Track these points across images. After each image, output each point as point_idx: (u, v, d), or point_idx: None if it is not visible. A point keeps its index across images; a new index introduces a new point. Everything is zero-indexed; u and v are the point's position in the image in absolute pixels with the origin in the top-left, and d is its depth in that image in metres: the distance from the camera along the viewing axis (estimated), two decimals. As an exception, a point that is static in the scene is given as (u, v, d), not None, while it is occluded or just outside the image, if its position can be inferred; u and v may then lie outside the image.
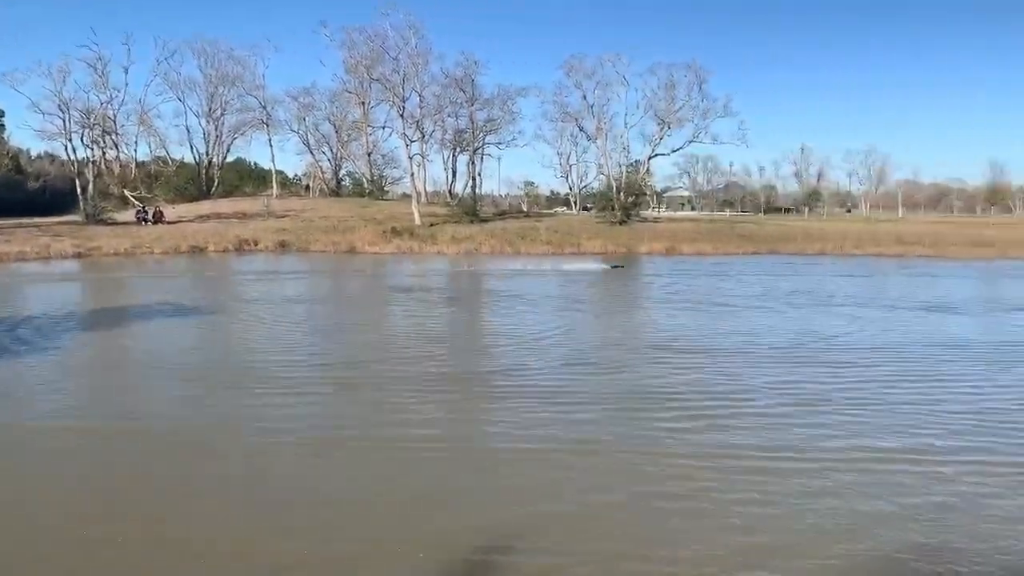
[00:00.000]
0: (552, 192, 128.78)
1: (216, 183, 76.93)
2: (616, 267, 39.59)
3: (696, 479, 8.27)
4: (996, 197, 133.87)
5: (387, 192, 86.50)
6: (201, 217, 57.14)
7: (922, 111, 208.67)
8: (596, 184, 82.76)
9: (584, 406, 11.29)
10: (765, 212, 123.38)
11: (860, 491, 7.94)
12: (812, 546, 6.68)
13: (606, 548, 6.62)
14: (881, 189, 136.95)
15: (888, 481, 8.25)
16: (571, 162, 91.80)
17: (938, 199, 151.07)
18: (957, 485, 8.13)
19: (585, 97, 71.60)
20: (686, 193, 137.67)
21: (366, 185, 79.16)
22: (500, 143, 74.08)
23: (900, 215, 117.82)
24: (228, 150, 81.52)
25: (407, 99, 63.93)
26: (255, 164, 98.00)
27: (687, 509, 7.48)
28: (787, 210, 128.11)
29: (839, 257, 49.64)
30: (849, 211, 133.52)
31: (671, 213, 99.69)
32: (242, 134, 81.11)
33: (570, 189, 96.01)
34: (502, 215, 66.96)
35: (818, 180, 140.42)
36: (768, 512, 7.41)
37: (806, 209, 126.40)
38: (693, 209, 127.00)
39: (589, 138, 76.46)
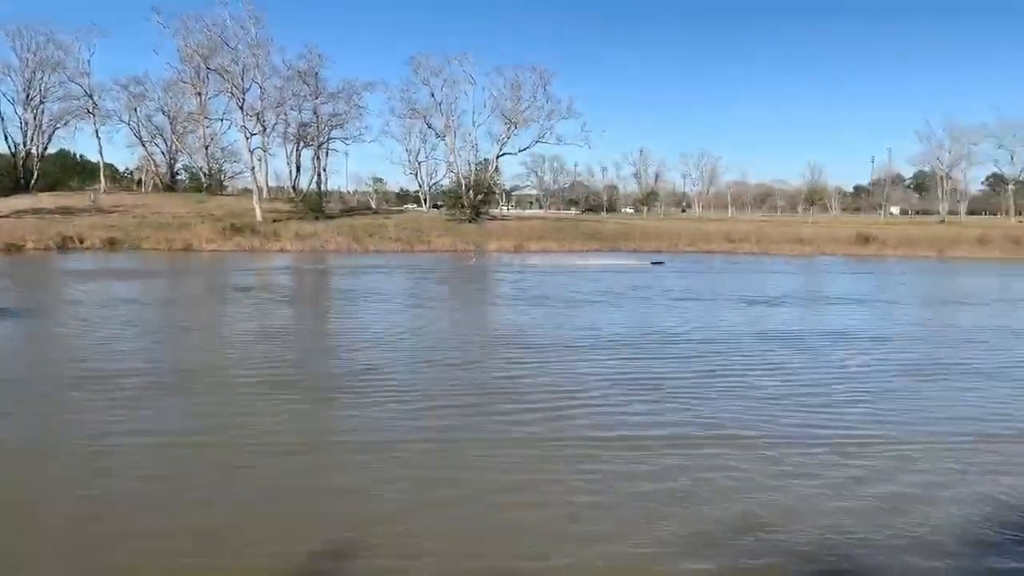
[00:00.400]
0: (402, 189, 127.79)
1: (36, 176, 70.59)
2: (656, 263, 42.59)
3: (539, 469, 8.45)
4: (814, 197, 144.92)
5: (226, 187, 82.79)
6: (18, 213, 52.32)
7: (749, 116, 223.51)
8: (446, 182, 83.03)
9: (430, 402, 11.29)
10: (607, 211, 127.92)
11: (687, 472, 8.40)
12: (642, 527, 7.00)
13: (447, 544, 6.64)
14: (712, 190, 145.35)
15: (713, 464, 8.77)
16: (420, 159, 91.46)
17: (763, 199, 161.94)
18: (780, 465, 8.75)
19: (433, 94, 71.65)
20: (534, 192, 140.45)
21: (203, 179, 75.39)
22: (346, 138, 72.66)
23: (730, 214, 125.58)
24: (49, 140, 75.01)
25: (247, 90, 61.64)
26: (81, 157, 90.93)
27: (527, 501, 7.62)
28: (630, 209, 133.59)
29: (675, 254, 52.29)
30: (684, 210, 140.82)
31: (519, 211, 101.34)
32: (65, 124, 74.98)
33: (420, 186, 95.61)
34: (349, 212, 65.75)
35: (655, 181, 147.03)
36: (599, 500, 7.68)
37: (644, 208, 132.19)
38: (541, 208, 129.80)
39: (438, 135, 76.53)
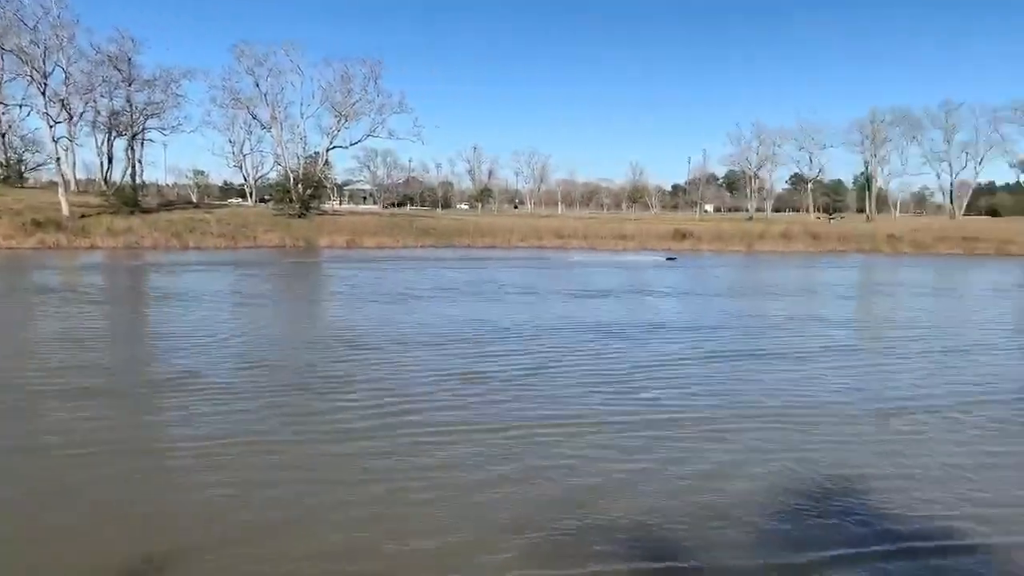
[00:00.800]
0: (226, 182, 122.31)
1: None
2: (671, 259, 47.01)
3: (366, 467, 8.37)
4: (636, 195, 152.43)
5: (28, 179, 75.67)
6: None
7: (576, 116, 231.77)
8: (273, 175, 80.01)
9: (252, 403, 10.88)
10: (442, 207, 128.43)
11: (514, 458, 8.60)
12: (471, 515, 7.11)
13: (261, 542, 6.47)
14: (544, 187, 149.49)
15: (540, 450, 9.04)
16: (245, 151, 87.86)
17: (591, 196, 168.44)
18: (603, 447, 9.15)
19: (258, 84, 68.72)
20: (367, 187, 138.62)
21: (1, 171, 68.51)
22: (164, 128, 68.12)
23: (560, 211, 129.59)
24: None
25: (50, 75, 56.52)
26: None
27: (354, 498, 7.54)
28: (464, 205, 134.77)
29: (507, 250, 53.32)
30: (516, 207, 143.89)
31: (352, 207, 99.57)
32: None
33: (245, 179, 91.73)
34: (168, 206, 61.97)
35: (489, 178, 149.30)
36: (427, 494, 7.72)
37: (479, 205, 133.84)
38: (375, 203, 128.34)
39: (264, 127, 73.50)
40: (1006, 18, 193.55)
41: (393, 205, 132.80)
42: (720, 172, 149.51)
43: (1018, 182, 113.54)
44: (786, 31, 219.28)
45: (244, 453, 8.84)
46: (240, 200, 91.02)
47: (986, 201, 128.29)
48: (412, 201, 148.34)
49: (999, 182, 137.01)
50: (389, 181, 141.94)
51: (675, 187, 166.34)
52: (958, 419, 10.85)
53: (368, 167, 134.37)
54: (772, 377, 13.49)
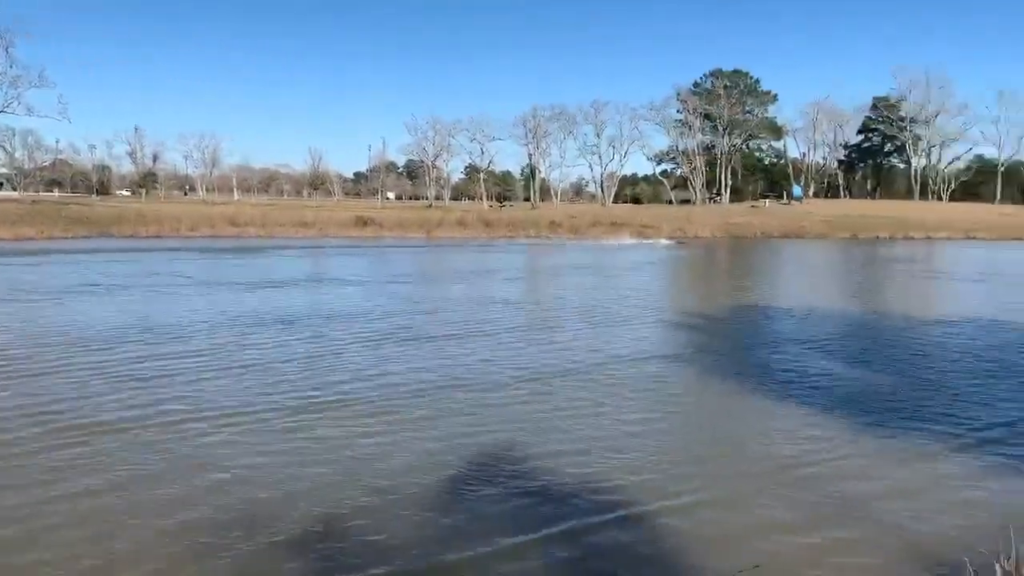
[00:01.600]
0: None
1: None
2: (681, 243, 54.12)
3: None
4: (317, 182, 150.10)
5: None
6: None
7: (252, 100, 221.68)
8: None
9: None
10: (99, 193, 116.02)
11: (165, 453, 8.21)
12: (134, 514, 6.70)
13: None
14: (217, 173, 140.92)
15: (198, 441, 8.72)
16: None
17: (269, 183, 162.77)
18: (260, 437, 9.04)
19: None
20: (4, 171, 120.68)
21: None
22: None
23: (236, 198, 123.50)
24: None
25: None
26: None
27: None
28: (126, 191, 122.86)
29: (178, 239, 49.72)
30: (186, 193, 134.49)
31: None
32: None
33: None
34: None
35: (154, 162, 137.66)
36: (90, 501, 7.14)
37: (143, 191, 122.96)
38: (15, 189, 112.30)
39: None
40: (648, 27, 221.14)
41: (38, 191, 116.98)
42: (400, 161, 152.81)
43: (655, 173, 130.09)
44: (467, 22, 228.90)
45: None
46: None
47: (630, 190, 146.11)
48: (61, 186, 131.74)
49: (640, 173, 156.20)
50: (32, 165, 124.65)
51: (357, 174, 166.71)
52: (612, 382, 12.31)
53: (4, 148, 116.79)
54: (441, 356, 14.21)
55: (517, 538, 6.56)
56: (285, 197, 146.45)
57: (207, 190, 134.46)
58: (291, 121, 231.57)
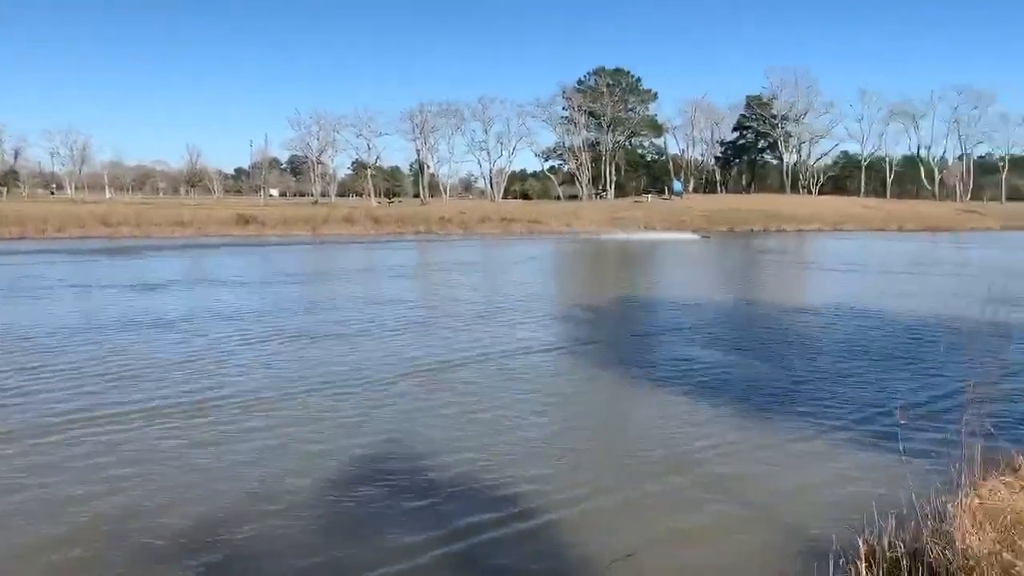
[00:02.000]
0: None
1: None
2: (705, 237, 54.85)
3: None
4: (196, 179, 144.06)
5: None
6: None
7: (123, 95, 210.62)
8: None
9: None
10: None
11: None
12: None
13: None
14: (87, 170, 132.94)
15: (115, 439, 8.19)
16: None
17: (144, 180, 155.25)
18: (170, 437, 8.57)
19: None
20: None
21: None
22: None
23: (108, 196, 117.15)
24: None
25: None
26: None
27: None
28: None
29: (44, 241, 46.72)
30: (53, 192, 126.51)
31: None
32: None
33: None
34: None
35: (16, 159, 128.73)
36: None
37: (4, 190, 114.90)
38: None
39: None
40: (534, 25, 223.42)
41: None
42: (283, 156, 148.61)
43: (543, 170, 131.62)
44: (350, 14, 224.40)
45: None
46: None
47: (519, 186, 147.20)
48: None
49: (529, 169, 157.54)
50: None
51: (238, 171, 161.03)
52: (498, 376, 12.30)
53: None
54: (322, 356, 13.87)
55: (404, 537, 6.49)
56: (161, 195, 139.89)
57: (76, 189, 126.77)
58: (166, 116, 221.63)
